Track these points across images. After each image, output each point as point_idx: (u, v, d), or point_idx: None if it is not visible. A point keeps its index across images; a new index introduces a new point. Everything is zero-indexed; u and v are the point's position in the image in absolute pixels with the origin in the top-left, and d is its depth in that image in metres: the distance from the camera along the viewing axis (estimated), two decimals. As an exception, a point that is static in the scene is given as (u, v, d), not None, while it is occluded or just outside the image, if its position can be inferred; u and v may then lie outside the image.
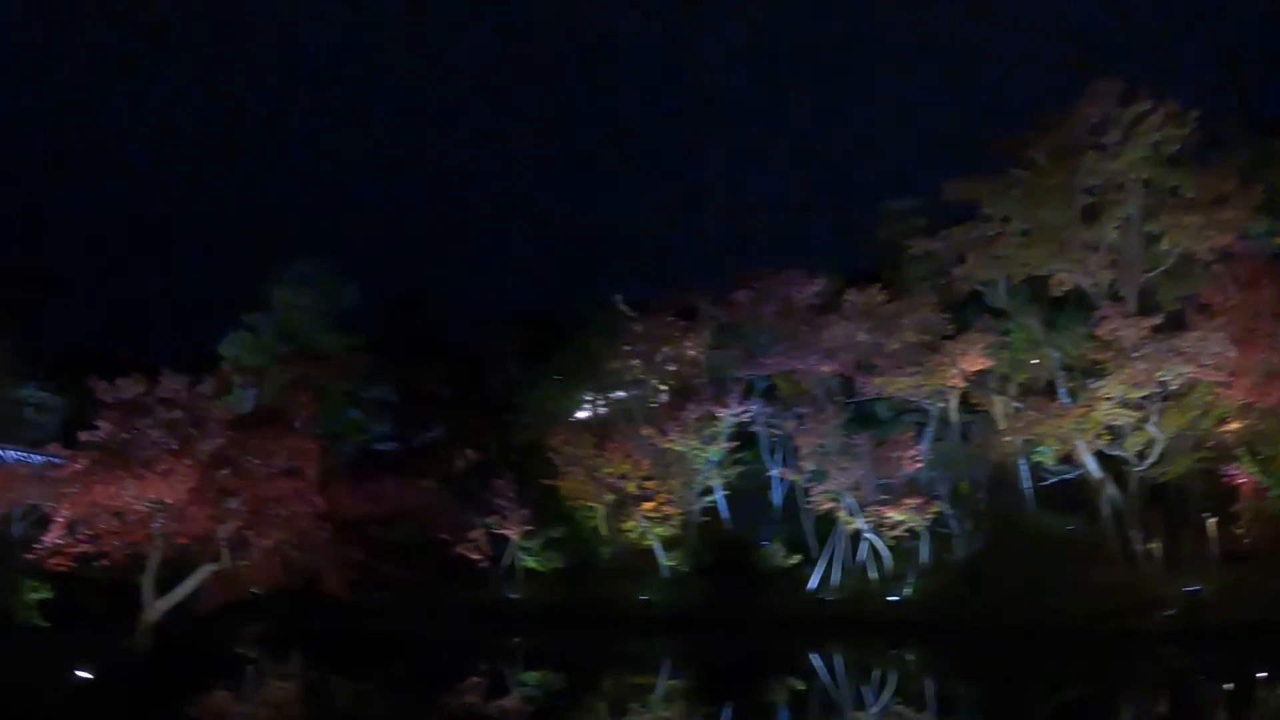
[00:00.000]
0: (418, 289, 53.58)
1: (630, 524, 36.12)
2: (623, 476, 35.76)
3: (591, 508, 37.57)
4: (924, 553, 30.63)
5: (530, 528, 37.02)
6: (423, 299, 49.35)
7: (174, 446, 12.02)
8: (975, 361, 29.81)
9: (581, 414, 42.48)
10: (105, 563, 13.50)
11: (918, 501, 29.65)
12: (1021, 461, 29.85)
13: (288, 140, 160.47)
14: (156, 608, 13.30)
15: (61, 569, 13.35)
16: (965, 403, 31.89)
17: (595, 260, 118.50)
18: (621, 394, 39.98)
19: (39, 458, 21.03)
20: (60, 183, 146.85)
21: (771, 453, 36.95)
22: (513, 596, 36.37)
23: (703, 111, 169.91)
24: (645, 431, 35.79)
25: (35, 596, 18.50)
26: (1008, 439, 28.62)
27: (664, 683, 22.84)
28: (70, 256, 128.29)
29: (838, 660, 25.67)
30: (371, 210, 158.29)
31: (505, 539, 37.01)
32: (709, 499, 36.51)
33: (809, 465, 32.30)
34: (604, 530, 37.52)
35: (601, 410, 41.74)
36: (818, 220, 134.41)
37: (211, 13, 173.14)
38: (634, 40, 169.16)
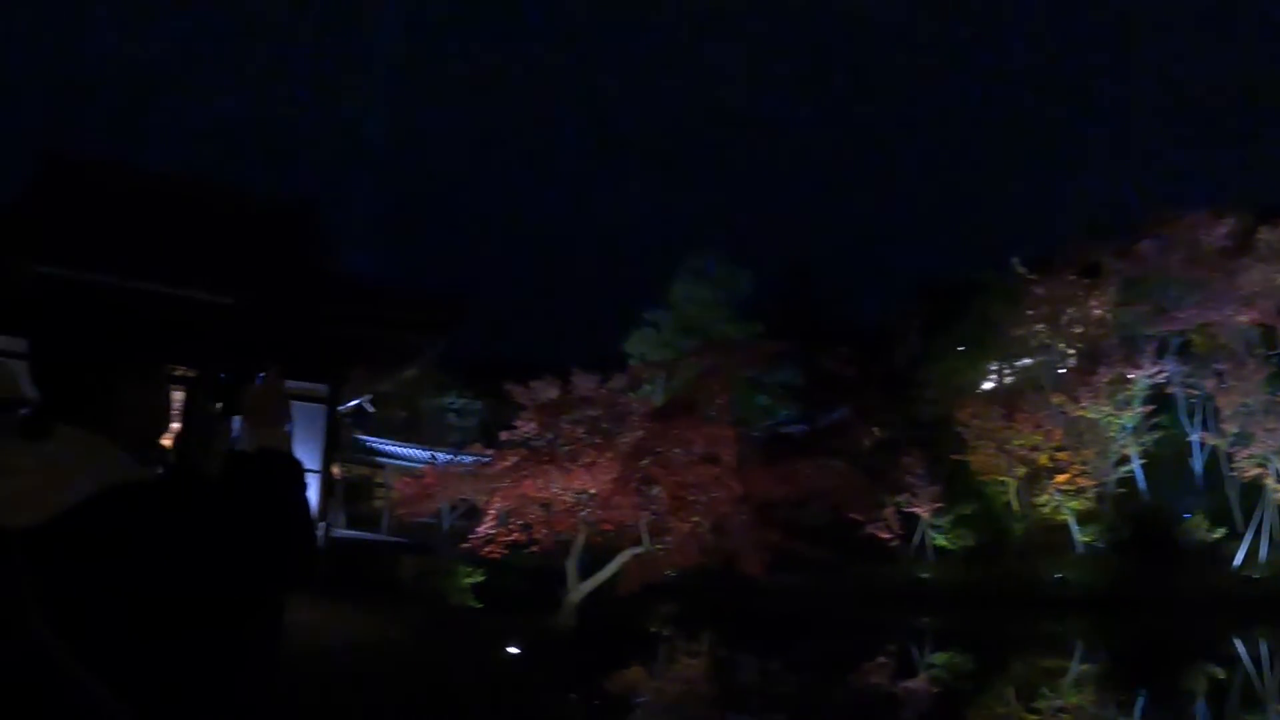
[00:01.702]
0: (806, 271, 53.58)
1: (1043, 498, 34.16)
2: (1034, 448, 33.91)
3: (1002, 482, 35.96)
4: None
5: (940, 505, 35.76)
6: (813, 279, 49.50)
7: (596, 440, 12.55)
8: None
9: (988, 385, 40.83)
10: (536, 549, 14.40)
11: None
12: None
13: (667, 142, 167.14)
14: (580, 590, 13.94)
15: (494, 556, 14.40)
16: None
17: (983, 225, 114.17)
18: (1027, 361, 38.24)
19: (468, 458, 22.87)
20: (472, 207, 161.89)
21: (1190, 416, 34.16)
22: (922, 576, 35.30)
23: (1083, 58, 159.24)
24: (1055, 399, 33.77)
25: (469, 581, 20.56)
26: None
27: (1076, 666, 21.28)
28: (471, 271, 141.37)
29: (1264, 646, 22.80)
30: (749, 196, 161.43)
31: (915, 517, 35.93)
32: (1125, 468, 34.02)
33: (1232, 428, 29.58)
34: (1015, 505, 35.78)
35: (1008, 379, 40.05)
36: (1222, 151, 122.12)
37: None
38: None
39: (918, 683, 19.37)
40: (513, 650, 11.96)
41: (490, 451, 23.22)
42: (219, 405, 2.24)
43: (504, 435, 27.62)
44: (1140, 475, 34.09)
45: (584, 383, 18.83)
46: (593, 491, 12.78)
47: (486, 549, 13.81)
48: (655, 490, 12.62)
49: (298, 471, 2.02)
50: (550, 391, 19.07)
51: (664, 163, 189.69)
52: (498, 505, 13.52)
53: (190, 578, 1.76)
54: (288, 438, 2.10)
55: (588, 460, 12.43)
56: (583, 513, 12.90)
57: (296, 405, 3.85)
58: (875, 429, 40.24)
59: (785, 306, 45.96)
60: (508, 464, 13.44)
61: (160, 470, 2.04)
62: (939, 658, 23.22)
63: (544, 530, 13.43)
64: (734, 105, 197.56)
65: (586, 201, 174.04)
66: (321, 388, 22.68)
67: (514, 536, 13.93)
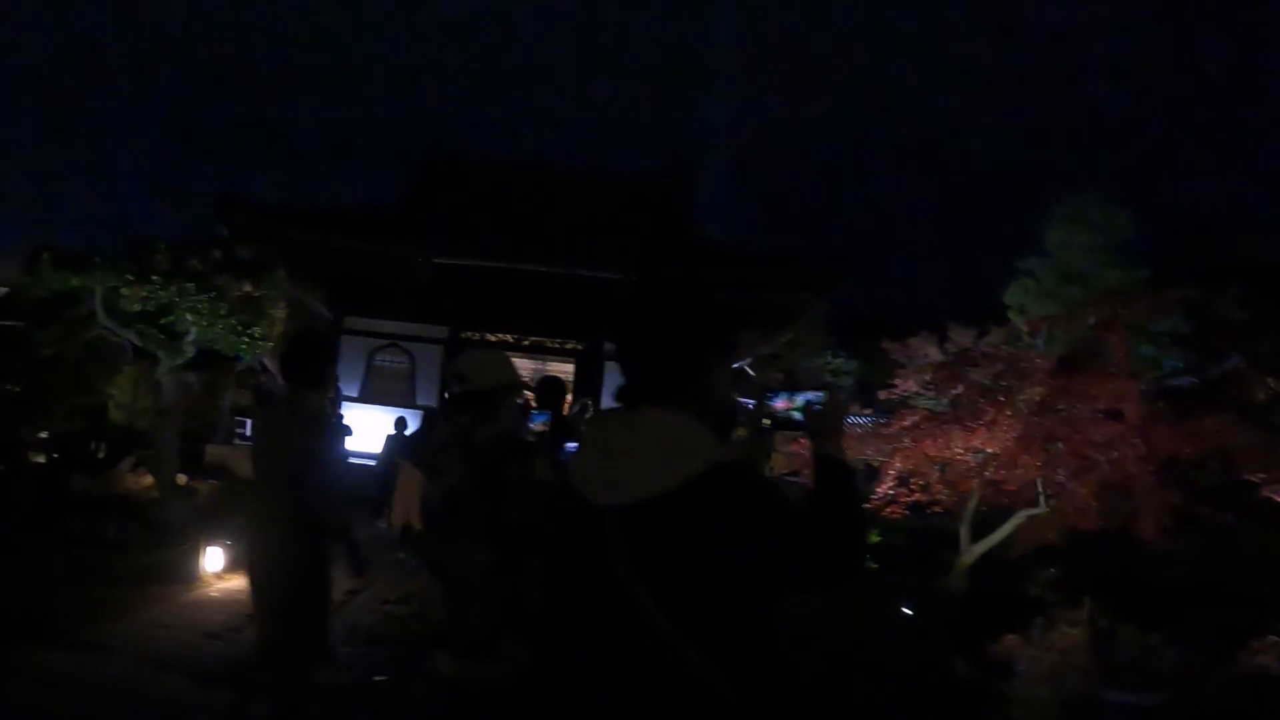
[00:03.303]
0: (1187, 208, 49.22)
1: None
2: None
3: None
4: None
5: (1351, 464, 31.60)
6: (1196, 216, 45.34)
7: (999, 398, 12.22)
8: None
9: None
10: (938, 509, 14.25)
11: None
12: None
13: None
14: (972, 552, 13.68)
15: (894, 516, 14.35)
16: None
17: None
18: None
19: (865, 419, 22.97)
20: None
21: None
22: (1328, 546, 31.60)
23: None
24: None
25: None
26: None
27: None
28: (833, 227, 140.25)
29: None
30: (1116, 135, 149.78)
31: (1319, 479, 32.05)
32: None
33: None
34: None
35: None
36: None
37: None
38: None
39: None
40: (906, 610, 12.02)
41: (868, 411, 23.08)
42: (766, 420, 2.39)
43: (882, 394, 27.42)
44: None
45: (961, 338, 18.36)
46: (990, 451, 12.47)
47: (887, 510, 13.80)
48: (1057, 449, 12.12)
49: (856, 478, 2.13)
50: (928, 348, 18.75)
51: (1024, 109, 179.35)
52: (898, 466, 13.44)
53: (780, 560, 1.86)
54: (846, 448, 2.19)
55: (988, 418, 12.12)
56: (986, 473, 12.61)
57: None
58: (1270, 380, 36.13)
59: (1168, 247, 42.26)
60: (906, 424, 13.31)
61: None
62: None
63: (942, 490, 13.26)
64: (1097, 51, 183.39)
65: (947, 150, 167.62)
66: (710, 355, 23.49)
67: (915, 497, 13.82)
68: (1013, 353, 13.46)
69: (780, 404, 2.38)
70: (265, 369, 22.26)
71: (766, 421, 2.44)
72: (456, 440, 3.79)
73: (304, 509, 4.60)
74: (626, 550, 1.87)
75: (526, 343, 24.34)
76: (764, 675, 1.87)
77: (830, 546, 1.91)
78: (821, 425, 2.20)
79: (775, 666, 1.91)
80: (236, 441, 21.42)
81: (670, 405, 1.99)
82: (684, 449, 1.90)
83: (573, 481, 2.05)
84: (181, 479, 16.50)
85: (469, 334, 23.95)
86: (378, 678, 7.22)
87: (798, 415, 2.30)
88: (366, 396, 23.50)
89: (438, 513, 3.74)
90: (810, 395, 2.33)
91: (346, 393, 22.07)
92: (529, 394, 6.82)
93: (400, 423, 16.28)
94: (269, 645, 4.82)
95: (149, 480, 15.68)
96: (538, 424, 5.91)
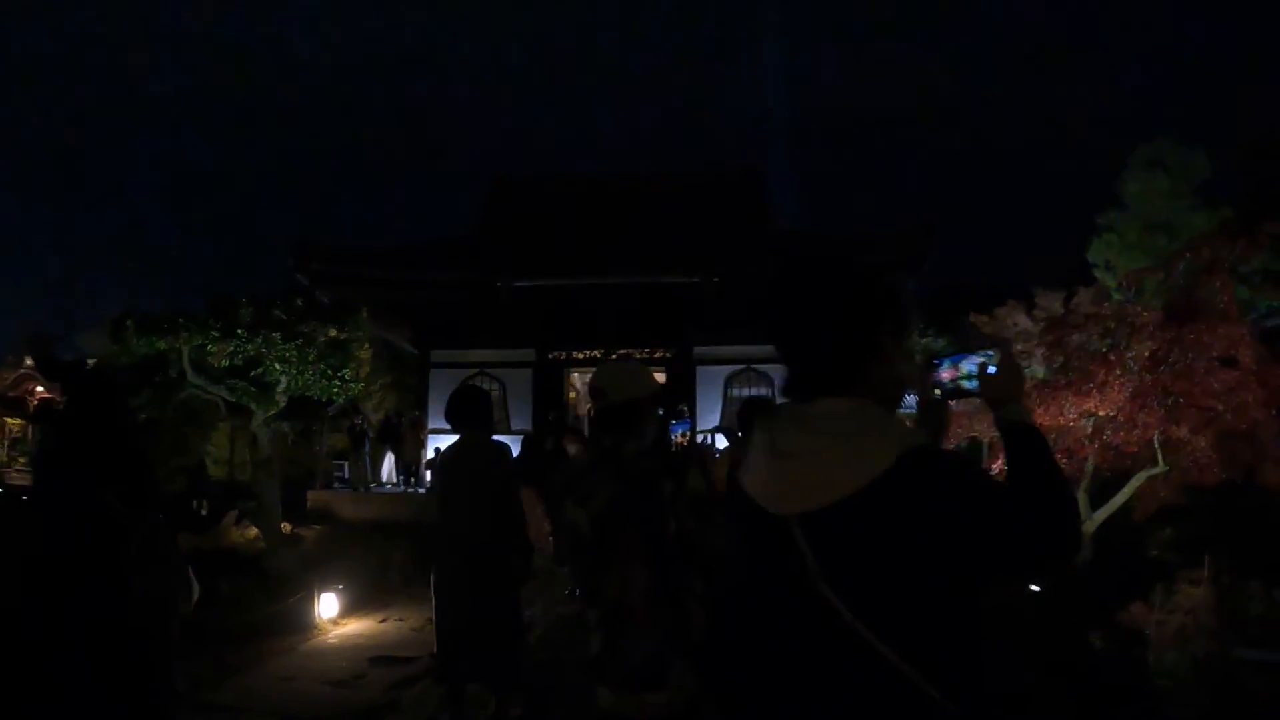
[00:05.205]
0: (1268, 138, 47.27)
1: None
2: None
3: None
4: None
5: None
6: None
7: (1110, 358, 11.73)
8: None
9: None
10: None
11: None
12: None
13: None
14: (1094, 519, 13.22)
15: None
16: None
17: None
18: None
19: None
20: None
21: None
22: None
23: None
24: None
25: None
26: None
27: None
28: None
29: None
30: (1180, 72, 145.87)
31: None
32: None
33: None
34: None
35: None
36: None
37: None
38: None
39: None
40: (1034, 587, 11.63)
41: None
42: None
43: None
44: None
45: (1048, 303, 17.82)
46: (1104, 413, 11.99)
47: (1002, 483, 13.39)
48: (1172, 403, 11.59)
49: (1045, 442, 1.84)
50: (1016, 317, 18.28)
51: (1085, 55, 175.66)
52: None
53: (995, 542, 1.67)
54: (1029, 411, 1.98)
55: (1099, 380, 11.65)
56: (1106, 435, 12.13)
57: (779, 370, 3.91)
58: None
59: (1250, 183, 40.74)
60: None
61: None
62: None
63: (1062, 459, 12.79)
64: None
65: (1005, 109, 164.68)
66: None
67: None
68: (1119, 309, 12.91)
69: (946, 373, 2.14)
70: (358, 411, 22.46)
71: (936, 392, 2.19)
72: (602, 460, 3.62)
73: (498, 535, 5.41)
74: (817, 559, 1.71)
75: (615, 356, 24.30)
76: (978, 677, 1.71)
77: (1045, 519, 1.69)
78: (1001, 391, 1.97)
79: (986, 666, 1.74)
80: (336, 485, 21.63)
81: (849, 393, 1.81)
82: (871, 440, 1.72)
83: (744, 490, 1.88)
84: (286, 527, 16.67)
85: (556, 354, 23.92)
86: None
87: (968, 384, 2.07)
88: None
89: (588, 538, 3.57)
90: (976, 358, 2.08)
91: (439, 425, 22.17)
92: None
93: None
94: (454, 666, 5.51)
95: (254, 532, 15.86)
96: (678, 434, 5.85)
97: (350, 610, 11.02)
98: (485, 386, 23.91)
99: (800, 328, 1.92)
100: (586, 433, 11.53)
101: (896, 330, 1.91)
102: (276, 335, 14.67)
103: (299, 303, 15.66)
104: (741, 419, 6.13)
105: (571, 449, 9.35)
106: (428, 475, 20.82)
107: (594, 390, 3.77)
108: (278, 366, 15.06)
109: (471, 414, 5.81)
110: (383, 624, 10.76)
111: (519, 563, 5.53)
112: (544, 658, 8.00)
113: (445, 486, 5.78)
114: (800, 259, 1.97)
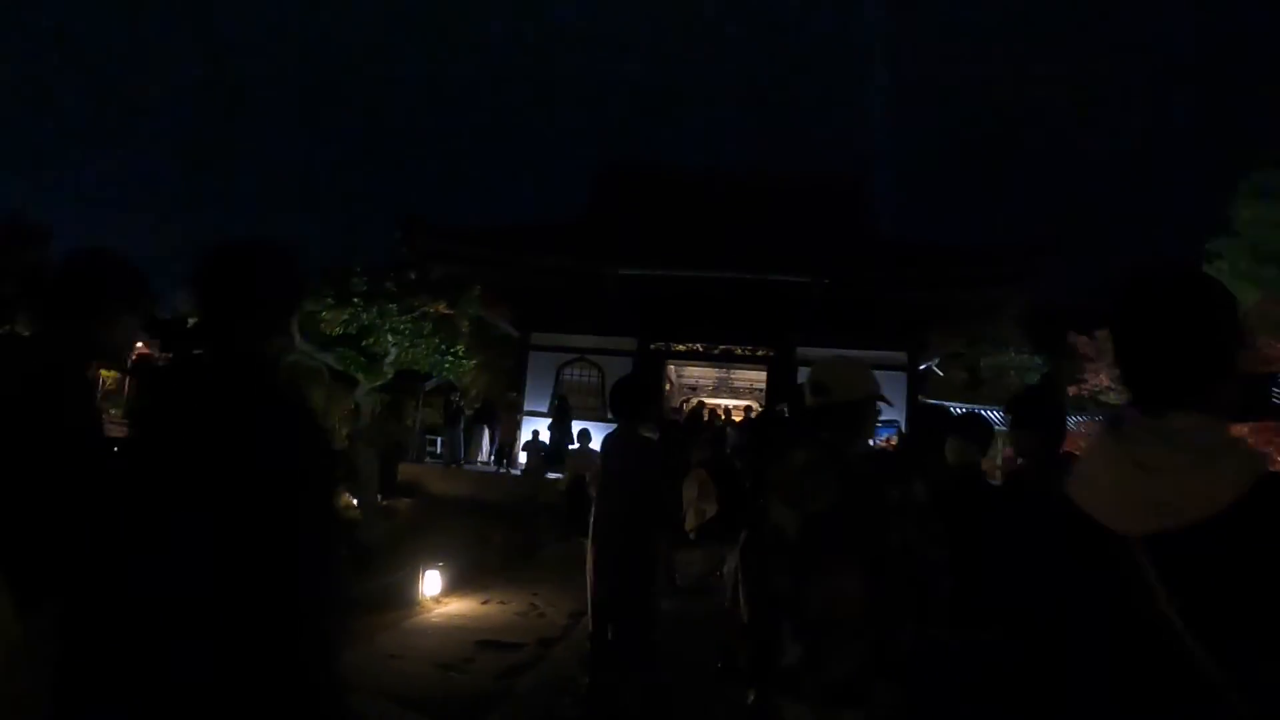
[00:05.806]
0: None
1: None
2: None
3: None
4: None
5: None
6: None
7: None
8: None
9: None
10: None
11: None
12: None
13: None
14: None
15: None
16: None
17: None
18: None
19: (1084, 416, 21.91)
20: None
21: None
22: None
23: None
24: None
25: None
26: None
27: None
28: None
29: None
30: None
31: None
32: None
33: None
34: None
35: None
36: None
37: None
38: None
39: None
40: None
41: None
42: None
43: (1072, 390, 26.08)
44: None
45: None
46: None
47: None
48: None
49: None
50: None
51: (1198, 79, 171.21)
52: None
53: None
54: None
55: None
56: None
57: (879, 375, 3.70)
58: None
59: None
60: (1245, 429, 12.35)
61: None
62: None
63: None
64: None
65: (1120, 130, 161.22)
66: (900, 355, 22.94)
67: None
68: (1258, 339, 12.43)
69: None
70: (454, 388, 22.52)
71: None
72: (825, 460, 3.41)
73: (647, 516, 6.10)
74: (1165, 585, 1.61)
75: (716, 351, 24.12)
76: None
77: None
78: None
79: None
80: (428, 460, 21.70)
81: (1199, 409, 1.72)
82: (1230, 461, 1.64)
83: (1078, 505, 1.78)
84: (379, 499, 16.72)
85: (657, 345, 23.82)
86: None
87: None
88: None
89: (794, 542, 3.35)
90: None
91: (535, 408, 22.20)
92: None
93: (584, 435, 16.17)
94: (602, 633, 6.13)
95: (347, 501, 15.91)
96: (883, 439, 5.67)
97: (451, 589, 10.96)
98: (584, 373, 23.91)
99: (1165, 340, 1.80)
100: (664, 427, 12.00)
101: (1240, 348, 1.85)
102: (393, 307, 14.69)
103: (411, 276, 15.68)
104: (919, 425, 6.01)
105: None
106: (522, 457, 20.90)
107: (816, 387, 3.56)
108: (390, 338, 15.08)
109: (631, 406, 6.35)
110: (485, 605, 10.64)
111: (662, 544, 6.35)
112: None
113: (605, 474, 6.34)
114: (1156, 270, 1.85)
